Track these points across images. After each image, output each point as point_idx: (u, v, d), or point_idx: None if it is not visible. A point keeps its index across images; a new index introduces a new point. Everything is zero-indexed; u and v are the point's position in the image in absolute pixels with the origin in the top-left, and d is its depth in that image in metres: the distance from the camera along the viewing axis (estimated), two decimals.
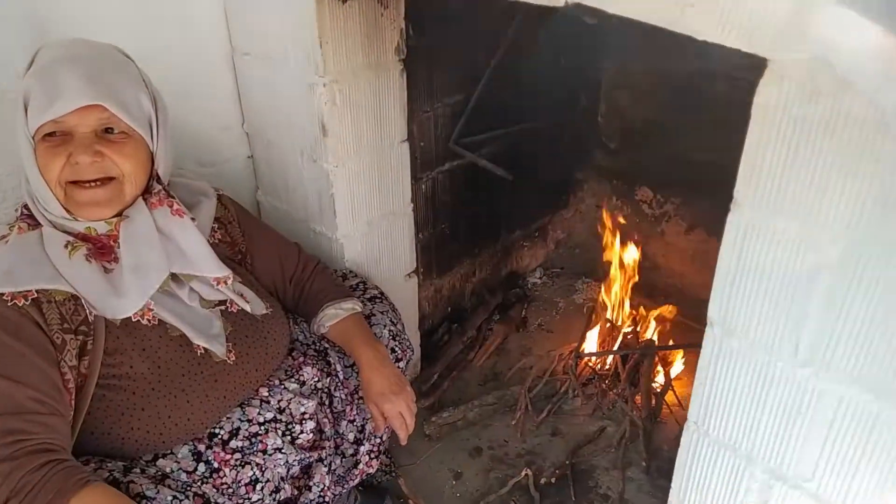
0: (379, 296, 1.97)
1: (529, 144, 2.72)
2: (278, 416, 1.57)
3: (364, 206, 2.05)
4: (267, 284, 1.75)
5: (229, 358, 1.49)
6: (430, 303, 2.66)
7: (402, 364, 1.90)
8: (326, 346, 1.81)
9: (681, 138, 2.73)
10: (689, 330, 2.67)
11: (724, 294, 1.24)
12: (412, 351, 1.96)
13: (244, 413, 1.53)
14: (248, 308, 1.55)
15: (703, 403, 1.31)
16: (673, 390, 2.37)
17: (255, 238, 1.72)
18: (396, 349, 1.89)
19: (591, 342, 2.47)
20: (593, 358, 2.46)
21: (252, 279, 1.68)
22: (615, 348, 2.42)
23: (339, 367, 1.79)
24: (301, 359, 1.70)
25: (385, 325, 1.88)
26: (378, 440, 1.88)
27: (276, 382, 1.61)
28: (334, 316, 1.73)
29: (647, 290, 2.76)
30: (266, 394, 1.59)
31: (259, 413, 1.55)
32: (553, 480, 2.11)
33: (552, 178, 2.99)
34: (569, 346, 2.51)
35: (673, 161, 2.80)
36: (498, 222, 2.84)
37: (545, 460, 2.20)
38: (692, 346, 2.39)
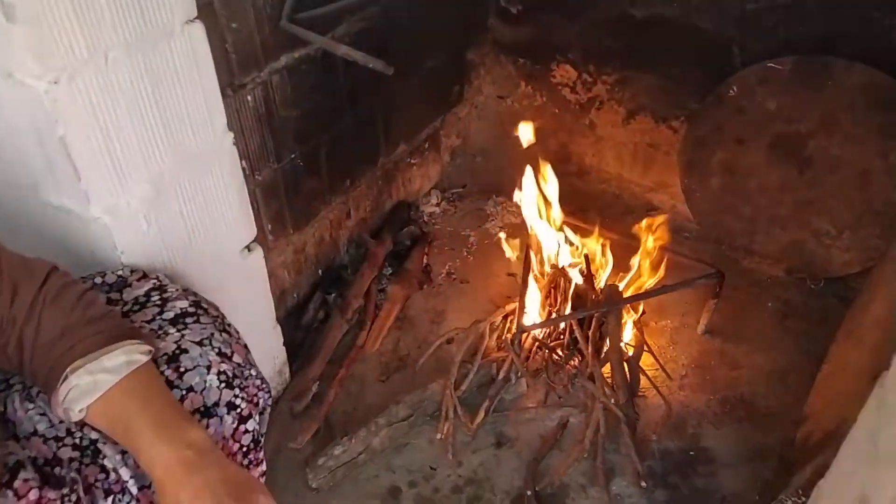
0: (191, 309, 1.10)
1: (401, 17, 1.83)
2: None
3: (137, 153, 1.12)
4: None
5: None
6: (291, 271, 1.80)
7: (250, 426, 1.09)
8: (95, 435, 0.95)
9: None
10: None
11: None
12: (268, 391, 1.14)
13: None
14: None
15: None
16: (650, 350, 1.72)
17: None
18: (238, 401, 1.07)
19: (531, 302, 1.73)
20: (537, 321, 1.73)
21: None
22: (567, 310, 1.70)
23: (124, 472, 0.95)
24: (32, 481, 0.84)
25: (208, 367, 1.03)
26: None
27: None
28: (89, 390, 0.87)
29: (575, 202, 2.05)
30: None
31: None
32: None
33: (437, 64, 2.12)
34: (501, 311, 1.77)
35: (603, 23, 2.02)
36: (373, 137, 1.97)
37: (494, 490, 1.50)
38: (676, 288, 1.71)
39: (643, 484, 1.45)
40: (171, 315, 1.08)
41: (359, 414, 1.65)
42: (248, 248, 1.45)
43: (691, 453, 1.57)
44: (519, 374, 1.66)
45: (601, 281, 1.78)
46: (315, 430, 1.58)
